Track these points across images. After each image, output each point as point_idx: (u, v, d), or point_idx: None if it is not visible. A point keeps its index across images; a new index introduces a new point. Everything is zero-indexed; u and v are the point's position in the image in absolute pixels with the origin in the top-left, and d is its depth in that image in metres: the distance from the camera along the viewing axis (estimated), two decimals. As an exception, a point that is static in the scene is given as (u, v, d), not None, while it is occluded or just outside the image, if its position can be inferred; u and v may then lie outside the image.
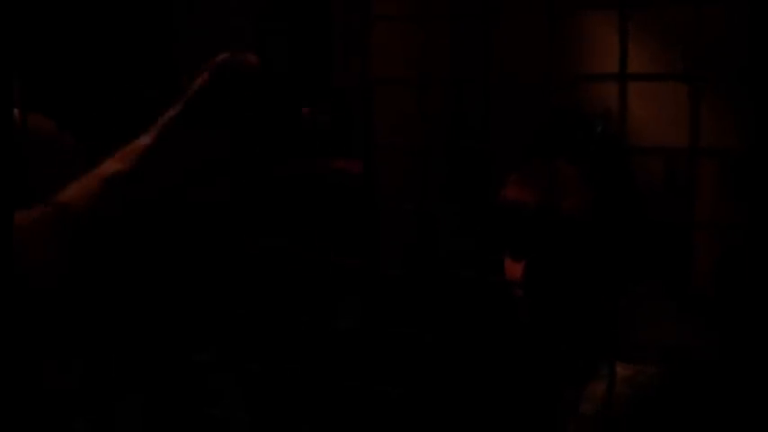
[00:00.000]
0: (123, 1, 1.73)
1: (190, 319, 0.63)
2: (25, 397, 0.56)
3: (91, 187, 0.61)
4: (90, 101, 1.63)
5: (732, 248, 1.69)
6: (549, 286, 1.39)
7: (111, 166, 0.62)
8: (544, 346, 1.43)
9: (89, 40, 1.69)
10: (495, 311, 1.57)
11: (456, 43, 1.97)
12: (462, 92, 1.97)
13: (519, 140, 1.51)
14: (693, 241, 1.54)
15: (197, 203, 0.61)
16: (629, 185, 1.45)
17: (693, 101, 0.47)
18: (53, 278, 0.57)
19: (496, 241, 1.46)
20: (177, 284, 0.64)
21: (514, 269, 1.42)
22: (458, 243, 1.73)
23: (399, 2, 1.73)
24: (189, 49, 1.77)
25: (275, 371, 1.22)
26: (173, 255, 0.61)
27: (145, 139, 0.63)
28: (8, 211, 0.59)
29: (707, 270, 1.68)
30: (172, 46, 1.77)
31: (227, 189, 0.62)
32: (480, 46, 1.91)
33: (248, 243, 0.65)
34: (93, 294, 0.58)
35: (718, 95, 1.61)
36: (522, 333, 1.44)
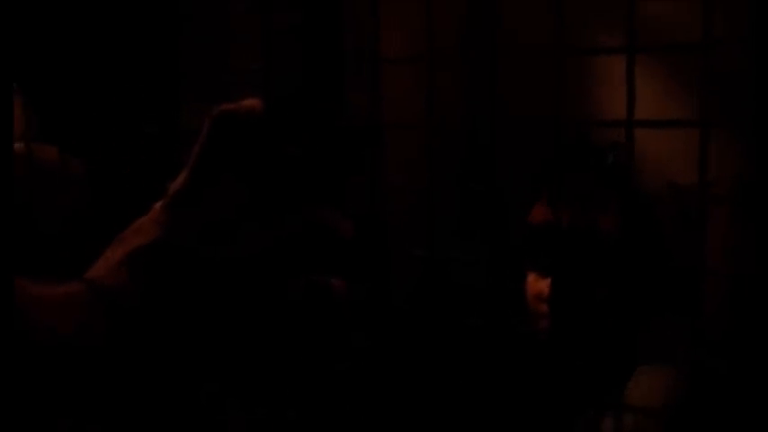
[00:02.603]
0: (128, 30, 1.73)
1: (197, 353, 0.62)
2: None
3: (116, 264, 0.59)
4: (93, 123, 1.63)
5: (744, 280, 1.67)
6: (576, 300, 1.38)
7: (130, 240, 0.60)
8: (563, 367, 1.42)
9: (94, 63, 1.69)
10: (509, 337, 1.55)
11: (465, 79, 1.97)
12: (473, 128, 1.96)
13: (530, 173, 1.51)
14: (704, 279, 1.53)
15: (229, 261, 0.60)
16: (649, 217, 1.44)
17: (701, 146, 0.46)
18: (84, 354, 0.56)
19: (518, 267, 1.46)
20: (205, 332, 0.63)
21: (538, 285, 1.43)
22: (469, 277, 1.72)
23: (407, 38, 1.72)
24: (193, 82, 1.77)
25: (281, 406, 1.21)
26: (211, 314, 0.60)
27: (159, 208, 0.62)
28: (12, 245, 0.58)
29: (719, 302, 1.66)
30: (177, 79, 1.77)
31: (257, 241, 0.60)
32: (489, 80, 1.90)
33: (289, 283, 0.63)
34: (132, 362, 0.58)
35: (729, 130, 1.60)
36: (541, 357, 1.43)
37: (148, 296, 0.58)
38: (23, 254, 0.59)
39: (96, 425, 0.57)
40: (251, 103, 0.61)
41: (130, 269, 0.58)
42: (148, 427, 0.59)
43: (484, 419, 1.50)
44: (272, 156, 0.61)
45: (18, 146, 1.09)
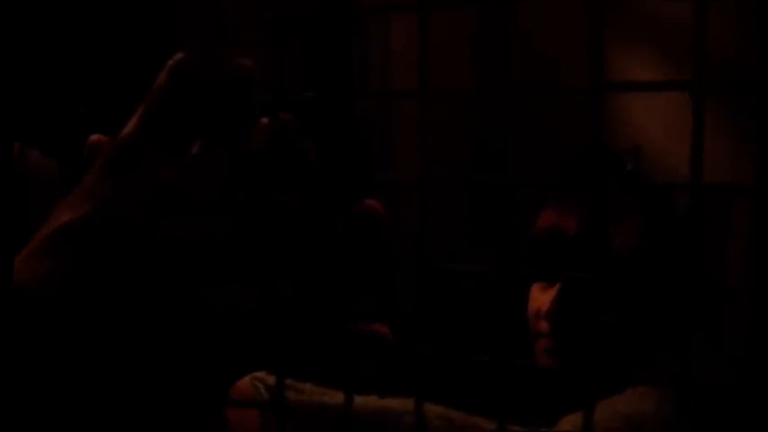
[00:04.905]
0: (122, 32, 1.69)
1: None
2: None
3: (39, 253, 0.46)
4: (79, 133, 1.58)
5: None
6: (581, 316, 1.29)
7: (59, 218, 0.47)
8: (567, 388, 1.34)
9: (84, 64, 1.64)
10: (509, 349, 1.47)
11: (476, 73, 1.91)
12: (484, 124, 1.91)
13: (545, 174, 1.44)
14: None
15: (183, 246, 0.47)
16: (676, 226, 1.35)
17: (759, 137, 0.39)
18: None
19: (522, 274, 1.37)
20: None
21: (542, 300, 1.33)
22: (478, 285, 1.66)
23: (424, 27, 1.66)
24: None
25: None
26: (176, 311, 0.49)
27: (97, 173, 0.48)
28: (9, 252, 0.48)
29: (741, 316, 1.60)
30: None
31: (222, 224, 0.48)
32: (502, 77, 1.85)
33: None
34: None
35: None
36: (541, 377, 1.36)
37: (69, 292, 0.45)
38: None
39: None
40: (235, 60, 0.50)
41: (55, 256, 0.45)
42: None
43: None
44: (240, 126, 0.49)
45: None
